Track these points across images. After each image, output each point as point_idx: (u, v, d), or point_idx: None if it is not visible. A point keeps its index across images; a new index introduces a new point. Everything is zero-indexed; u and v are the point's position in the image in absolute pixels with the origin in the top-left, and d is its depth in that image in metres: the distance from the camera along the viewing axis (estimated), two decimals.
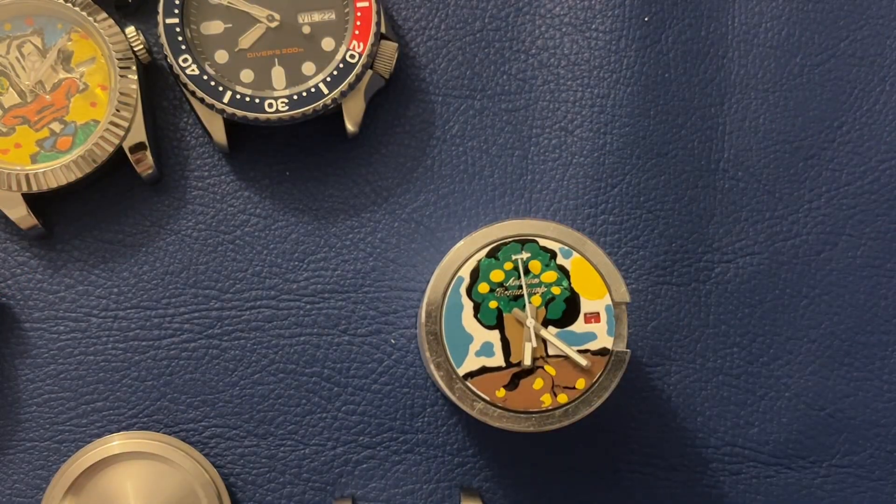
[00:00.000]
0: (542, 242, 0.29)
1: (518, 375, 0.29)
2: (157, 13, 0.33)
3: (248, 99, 0.32)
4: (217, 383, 0.34)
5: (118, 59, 0.32)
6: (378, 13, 0.33)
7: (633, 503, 0.34)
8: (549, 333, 0.29)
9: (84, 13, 0.32)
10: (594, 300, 0.29)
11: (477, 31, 0.35)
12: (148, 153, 0.33)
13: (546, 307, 0.29)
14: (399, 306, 0.34)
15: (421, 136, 0.35)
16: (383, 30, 0.33)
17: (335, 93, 0.33)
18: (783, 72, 0.35)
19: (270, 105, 0.32)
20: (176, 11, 0.33)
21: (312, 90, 0.33)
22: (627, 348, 0.29)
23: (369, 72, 0.33)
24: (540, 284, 0.29)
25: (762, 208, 0.35)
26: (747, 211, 0.35)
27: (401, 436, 0.33)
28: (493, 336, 0.29)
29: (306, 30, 0.33)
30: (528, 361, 0.28)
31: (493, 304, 0.29)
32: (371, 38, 0.33)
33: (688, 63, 0.35)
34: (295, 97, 0.33)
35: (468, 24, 0.35)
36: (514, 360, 0.29)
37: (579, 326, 0.29)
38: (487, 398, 0.28)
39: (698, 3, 0.35)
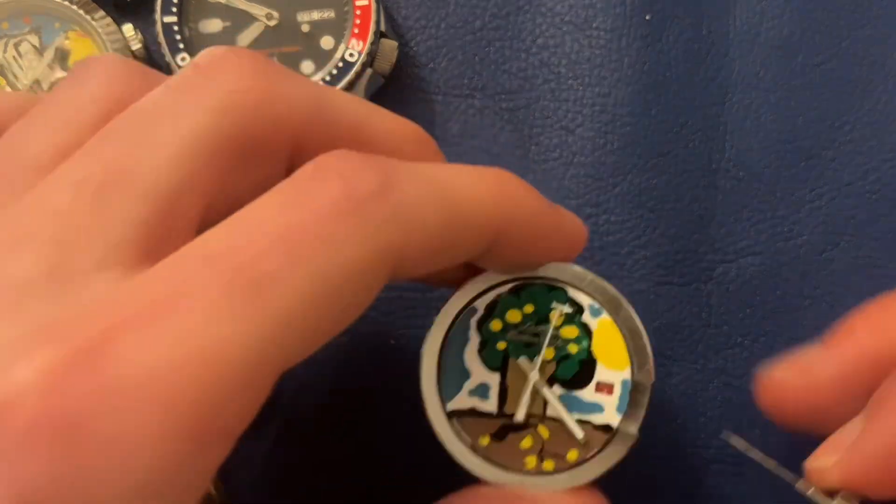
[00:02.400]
0: (572, 293, 0.26)
1: (508, 428, 0.26)
2: (155, 12, 0.32)
3: None
4: None
5: None
6: (378, 12, 0.33)
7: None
8: (552, 393, 0.26)
9: (81, 12, 0.32)
10: (612, 370, 0.26)
11: (477, 30, 0.35)
12: None
13: (557, 364, 0.26)
14: (397, 307, 0.34)
15: None
16: (383, 28, 0.33)
17: None
18: (785, 71, 0.35)
19: None
20: (174, 10, 0.32)
21: None
22: (639, 433, 0.26)
23: (369, 70, 0.33)
24: (557, 338, 0.26)
25: (764, 208, 0.34)
26: (749, 211, 0.34)
27: None
28: (493, 379, 0.26)
29: (305, 28, 0.33)
30: (520, 417, 0.26)
31: (501, 346, 0.26)
32: (370, 37, 0.33)
33: (689, 62, 0.35)
34: None
35: (468, 22, 0.35)
36: (507, 410, 0.26)
37: (588, 394, 0.26)
38: (470, 443, 0.25)
39: (700, 1, 0.35)
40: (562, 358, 0.26)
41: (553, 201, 0.34)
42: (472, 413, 0.26)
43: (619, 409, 0.26)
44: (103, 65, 0.23)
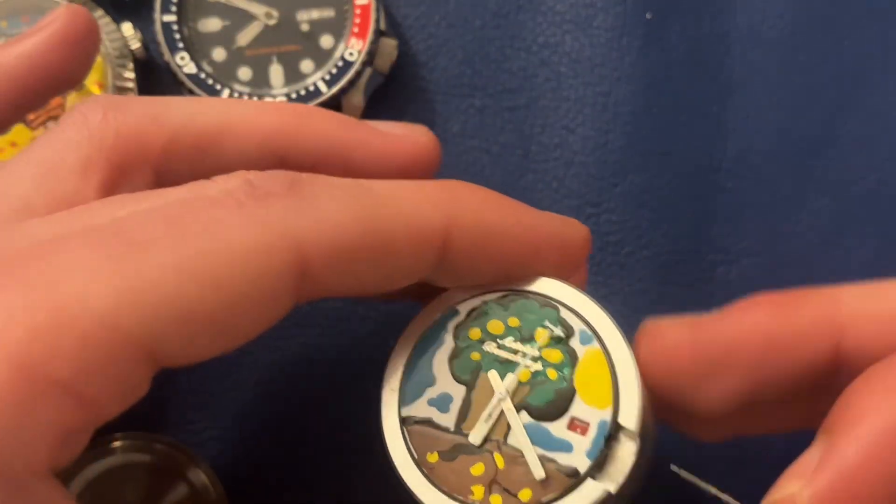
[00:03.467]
0: (564, 314, 0.23)
1: (460, 448, 0.23)
2: (154, 10, 0.32)
3: (246, 97, 0.32)
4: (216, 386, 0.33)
5: (115, 57, 0.32)
6: (378, 10, 0.33)
7: None
8: (517, 418, 0.22)
9: None
10: (591, 406, 0.22)
11: (477, 29, 0.35)
12: None
13: (531, 387, 0.23)
14: (397, 307, 0.34)
15: None
16: (383, 27, 0.33)
17: (334, 91, 0.32)
18: (786, 70, 0.35)
19: None
20: (173, 9, 0.32)
21: (311, 88, 0.32)
22: (616, 493, 0.22)
23: (368, 69, 0.33)
24: (538, 359, 0.23)
25: (765, 208, 0.34)
26: (750, 210, 0.34)
27: None
28: (458, 391, 0.23)
29: (305, 27, 0.33)
30: (476, 438, 0.22)
31: (475, 356, 0.23)
32: (370, 36, 0.32)
33: (690, 61, 0.35)
34: (293, 95, 0.32)
35: (469, 21, 0.35)
36: (465, 429, 0.23)
37: (558, 429, 0.22)
38: (416, 457, 0.23)
39: (700, 0, 0.35)
40: (538, 382, 0.23)
41: (553, 201, 0.34)
42: (427, 423, 0.23)
43: (589, 453, 0.22)
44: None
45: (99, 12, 0.32)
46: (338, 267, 0.20)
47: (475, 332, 0.23)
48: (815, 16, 0.35)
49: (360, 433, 0.34)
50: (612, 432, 0.22)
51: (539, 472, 0.22)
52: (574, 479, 0.22)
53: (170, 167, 0.24)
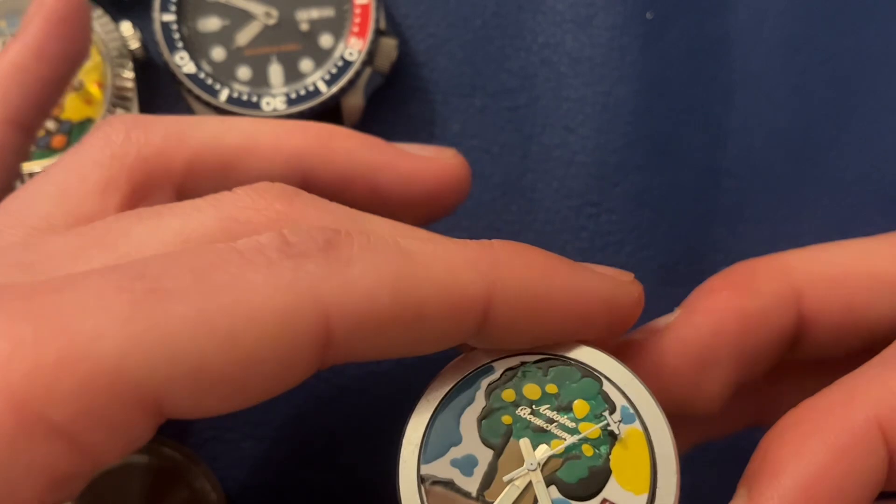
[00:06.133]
0: (607, 388, 0.22)
1: None
2: (153, 10, 0.32)
3: (245, 97, 0.32)
4: None
5: (114, 57, 0.32)
6: (377, 10, 0.33)
7: None
8: (546, 493, 0.21)
9: None
10: (626, 490, 0.21)
11: (478, 29, 0.35)
12: None
13: (563, 461, 0.21)
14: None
15: (421, 134, 0.34)
16: (382, 27, 0.33)
17: (334, 90, 0.32)
18: (787, 70, 0.35)
19: (268, 103, 0.32)
20: (172, 8, 0.32)
21: (310, 88, 0.32)
22: None
23: (368, 69, 0.33)
24: (574, 432, 0.22)
25: (766, 208, 0.34)
26: (751, 210, 0.34)
27: None
28: (485, 455, 0.22)
29: (304, 27, 0.33)
30: None
31: (506, 419, 0.22)
32: (370, 35, 0.32)
33: (691, 61, 0.35)
34: (293, 95, 0.32)
35: (469, 20, 0.35)
36: (488, 497, 0.21)
37: None
38: None
39: (701, 0, 0.35)
40: (570, 456, 0.21)
41: (553, 201, 0.34)
42: (448, 485, 0.22)
43: None
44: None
45: (98, 12, 0.32)
46: (365, 335, 0.19)
47: (509, 394, 0.22)
48: (815, 16, 0.35)
49: (362, 434, 0.34)
50: None
51: None
52: None
53: (192, 185, 0.24)
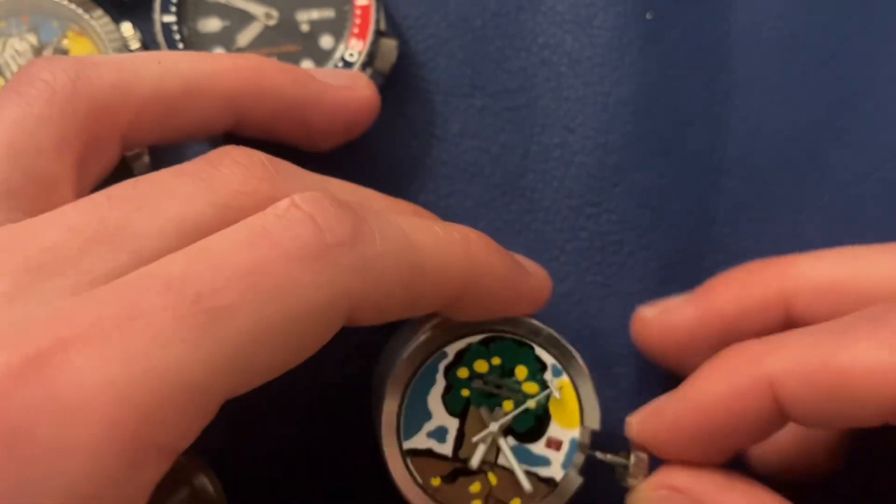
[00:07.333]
0: (538, 352, 0.28)
1: (459, 472, 0.27)
2: (154, 11, 0.32)
3: None
4: None
5: None
6: (378, 10, 0.33)
7: None
8: (506, 444, 0.27)
9: (80, 10, 0.32)
10: (564, 428, 0.28)
11: (478, 29, 0.35)
12: (144, 152, 0.32)
13: (515, 416, 0.28)
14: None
15: (421, 134, 0.34)
16: (383, 27, 0.33)
17: None
18: (787, 71, 0.35)
19: None
20: (173, 9, 0.32)
21: None
22: (581, 475, 0.28)
23: (368, 70, 0.33)
24: (518, 392, 0.28)
25: (766, 208, 0.34)
26: (751, 211, 0.34)
27: None
28: (452, 423, 0.27)
29: (305, 28, 0.33)
30: (475, 463, 0.27)
31: (465, 392, 0.27)
32: (370, 36, 0.32)
33: (691, 61, 0.35)
34: None
35: (469, 21, 0.35)
36: (461, 454, 0.27)
37: (538, 448, 0.28)
38: (421, 482, 0.27)
39: (701, 0, 0.35)
40: (520, 412, 0.28)
41: (553, 201, 0.34)
42: (428, 454, 0.27)
43: (563, 464, 0.27)
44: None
45: (98, 12, 0.32)
46: (375, 316, 0.23)
47: (463, 372, 0.27)
48: (815, 16, 0.35)
49: (360, 428, 0.34)
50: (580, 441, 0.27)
51: (528, 486, 0.27)
52: (551, 487, 0.27)
53: (136, 134, 0.25)
